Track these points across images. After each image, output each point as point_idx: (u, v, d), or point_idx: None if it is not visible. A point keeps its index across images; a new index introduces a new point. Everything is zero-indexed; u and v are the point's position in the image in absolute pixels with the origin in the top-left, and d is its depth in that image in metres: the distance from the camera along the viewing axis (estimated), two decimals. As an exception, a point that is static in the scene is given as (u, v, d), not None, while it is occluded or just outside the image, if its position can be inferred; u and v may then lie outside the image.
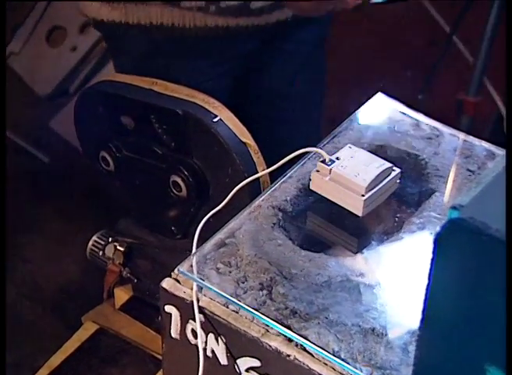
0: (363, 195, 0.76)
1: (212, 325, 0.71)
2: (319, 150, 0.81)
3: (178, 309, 0.73)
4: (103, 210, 1.60)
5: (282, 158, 0.80)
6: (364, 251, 0.76)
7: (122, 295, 1.07)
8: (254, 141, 0.90)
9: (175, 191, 0.93)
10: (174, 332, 0.75)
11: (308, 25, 1.07)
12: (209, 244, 0.75)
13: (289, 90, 1.15)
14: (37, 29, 2.13)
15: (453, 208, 0.49)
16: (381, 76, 1.85)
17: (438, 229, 0.51)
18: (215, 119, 0.88)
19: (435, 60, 1.71)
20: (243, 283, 0.71)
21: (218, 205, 0.81)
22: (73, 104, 1.02)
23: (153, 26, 0.95)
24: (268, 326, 0.68)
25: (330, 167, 0.78)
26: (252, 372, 0.70)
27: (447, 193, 0.81)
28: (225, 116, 0.90)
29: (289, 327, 0.67)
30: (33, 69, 2.18)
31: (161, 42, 0.98)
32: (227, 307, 0.70)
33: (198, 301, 0.71)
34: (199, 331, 0.71)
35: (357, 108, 0.92)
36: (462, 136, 0.88)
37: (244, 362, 0.70)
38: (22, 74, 2.16)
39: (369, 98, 0.93)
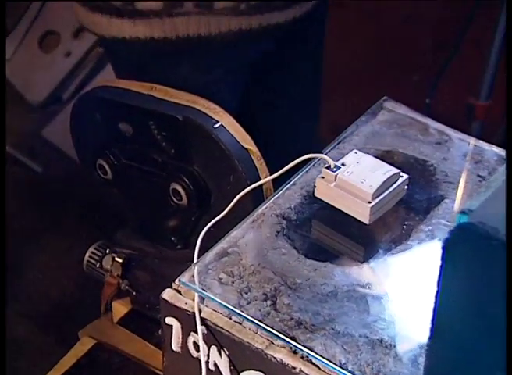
0: (369, 202, 0.77)
1: (215, 337, 0.72)
2: (324, 156, 0.82)
3: (179, 321, 0.74)
4: (100, 221, 1.61)
5: (286, 165, 0.81)
6: (371, 260, 0.77)
7: (120, 309, 1.08)
8: (257, 146, 0.92)
9: (175, 200, 0.95)
10: (175, 345, 0.76)
11: (315, 22, 1.10)
12: (211, 254, 0.76)
13: (296, 91, 1.17)
14: (30, 34, 2.15)
15: (462, 212, 0.50)
16: (387, 80, 1.86)
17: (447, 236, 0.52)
18: (216, 125, 0.89)
19: (443, 63, 1.72)
20: (247, 293, 0.72)
21: (219, 213, 0.82)
22: (67, 112, 1.03)
23: (179, 38, 0.96)
24: (272, 337, 0.69)
25: (335, 173, 0.79)
26: (256, 385, 0.71)
27: (457, 199, 0.82)
28: (226, 121, 0.91)
29: (294, 339, 0.68)
30: (25, 75, 2.19)
31: (183, 55, 0.99)
32: (230, 318, 0.71)
33: (200, 312, 0.72)
34: (201, 344, 0.72)
35: (363, 113, 0.93)
36: (472, 141, 0.89)
37: (248, 376, 0.71)
38: (13, 81, 2.17)
39: (375, 103, 0.94)
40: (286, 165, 0.81)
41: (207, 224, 0.81)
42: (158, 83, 1.00)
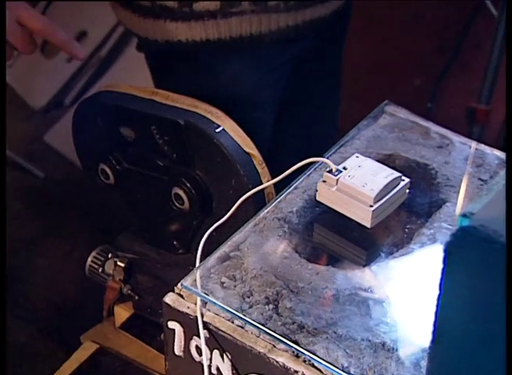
0: (371, 206, 0.78)
1: (217, 341, 0.72)
2: (325, 160, 0.82)
3: (181, 325, 0.74)
4: (101, 225, 1.61)
5: (288, 168, 0.82)
6: (373, 263, 0.77)
7: (122, 313, 1.08)
8: (259, 150, 0.92)
9: (177, 204, 0.95)
10: (178, 349, 0.76)
11: (343, 21, 1.14)
12: (213, 258, 0.76)
13: (324, 90, 1.21)
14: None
15: (464, 216, 0.50)
16: (389, 84, 1.87)
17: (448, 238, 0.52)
18: (218, 130, 0.89)
19: (444, 67, 1.72)
20: (249, 297, 0.72)
21: (221, 217, 0.82)
22: (69, 116, 1.03)
23: (232, 38, 0.99)
24: (274, 341, 0.69)
25: (337, 177, 0.79)
26: (259, 389, 0.71)
27: (458, 203, 0.83)
28: (228, 126, 0.91)
29: (296, 342, 0.68)
30: (27, 81, 2.20)
31: (234, 54, 1.02)
32: (232, 322, 0.71)
33: (202, 316, 0.72)
34: (203, 348, 0.72)
35: (364, 117, 0.93)
36: (473, 144, 0.90)
37: (251, 379, 0.71)
38: (15, 86, 2.18)
39: (376, 106, 0.95)
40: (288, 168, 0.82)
41: (209, 228, 0.81)
42: (204, 82, 1.03)
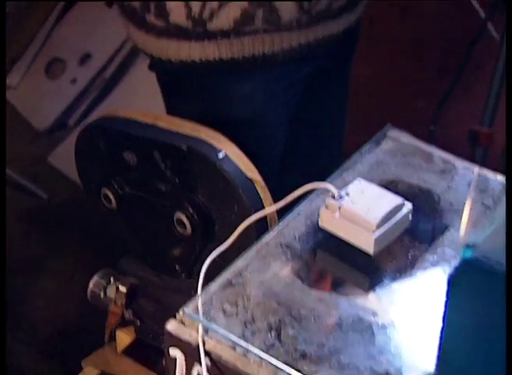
0: (374, 232, 0.77)
1: (219, 369, 0.71)
2: (328, 185, 0.82)
3: (183, 353, 0.74)
4: (104, 248, 1.60)
5: (291, 189, 0.81)
6: (377, 290, 0.76)
7: (124, 338, 1.08)
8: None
9: (179, 229, 0.94)
10: (179, 376, 0.75)
11: (352, 40, 1.15)
12: (215, 285, 0.75)
13: (332, 110, 1.22)
14: (36, 61, 2.17)
15: (467, 246, 0.50)
16: (391, 106, 1.87)
17: (452, 268, 0.52)
18: (221, 156, 0.89)
19: (447, 90, 1.72)
20: (251, 324, 0.72)
21: (223, 242, 0.82)
22: (72, 138, 1.03)
23: (245, 58, 1.00)
24: (277, 369, 0.69)
25: (339, 204, 0.79)
26: (261, 418, 0.70)
27: (462, 229, 0.82)
28: (230, 150, 0.91)
29: (299, 371, 0.68)
30: (32, 102, 2.21)
31: (246, 73, 1.02)
32: (234, 350, 0.71)
33: (204, 343, 0.71)
34: (205, 376, 0.72)
35: (367, 141, 0.93)
36: (476, 169, 0.89)
37: (253, 408, 0.71)
38: (20, 108, 2.19)
39: (379, 130, 0.94)
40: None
41: (211, 253, 0.80)
42: (218, 102, 1.04)
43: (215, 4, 0.96)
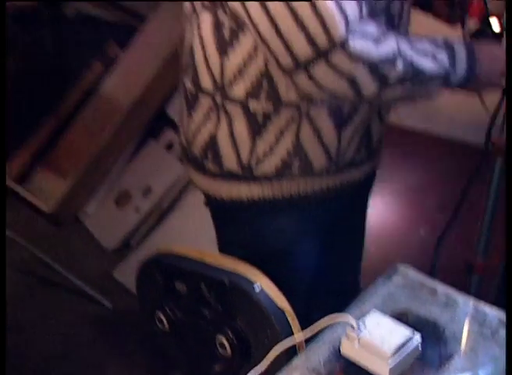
0: (388, 361, 0.74)
1: None
2: (348, 317, 0.79)
3: None
4: (156, 359, 1.56)
5: (314, 318, 0.79)
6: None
7: None
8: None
9: (220, 351, 0.92)
10: None
11: (370, 182, 1.16)
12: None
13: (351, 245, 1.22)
14: (109, 194, 2.23)
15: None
16: (395, 234, 1.84)
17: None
18: (257, 290, 0.88)
19: (445, 226, 1.69)
20: None
21: (258, 362, 0.79)
22: (134, 256, 1.03)
23: (284, 198, 1.01)
24: None
25: (358, 335, 0.76)
26: None
27: (464, 357, 0.78)
28: (264, 283, 0.91)
29: None
30: (103, 226, 2.25)
31: (282, 210, 1.03)
32: None
33: None
34: None
35: (379, 274, 0.91)
36: (475, 303, 0.87)
37: None
38: (93, 231, 2.23)
39: (389, 266, 0.93)
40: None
41: (247, 373, 0.77)
42: (259, 232, 1.04)
43: (260, 154, 0.98)
